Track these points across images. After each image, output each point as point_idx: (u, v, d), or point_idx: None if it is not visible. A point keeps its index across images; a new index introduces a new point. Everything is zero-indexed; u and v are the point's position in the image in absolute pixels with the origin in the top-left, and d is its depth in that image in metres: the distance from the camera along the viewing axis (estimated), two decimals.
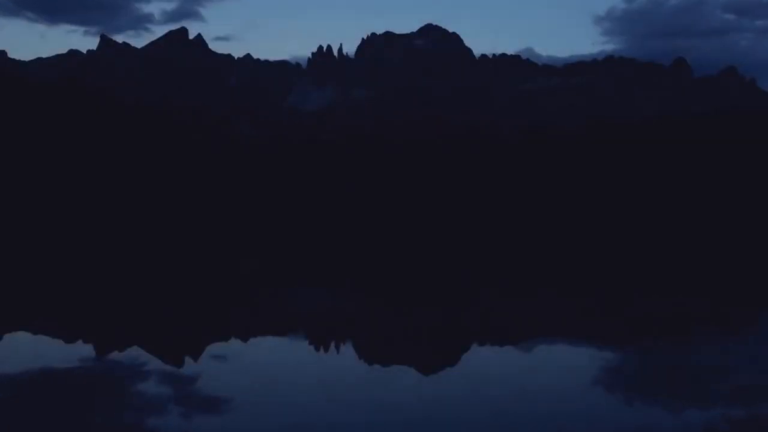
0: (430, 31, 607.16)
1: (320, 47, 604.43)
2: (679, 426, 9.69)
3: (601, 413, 10.35)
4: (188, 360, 13.59)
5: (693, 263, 41.57)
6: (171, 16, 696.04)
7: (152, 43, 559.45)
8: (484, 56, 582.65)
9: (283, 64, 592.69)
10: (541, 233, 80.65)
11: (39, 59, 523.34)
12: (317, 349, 15.26)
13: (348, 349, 15.14)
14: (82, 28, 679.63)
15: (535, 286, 28.74)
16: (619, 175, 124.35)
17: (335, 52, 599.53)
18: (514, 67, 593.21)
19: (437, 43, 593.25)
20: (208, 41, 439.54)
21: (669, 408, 10.60)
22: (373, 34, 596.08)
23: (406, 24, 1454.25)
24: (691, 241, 64.37)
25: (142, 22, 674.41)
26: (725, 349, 15.45)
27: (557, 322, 18.65)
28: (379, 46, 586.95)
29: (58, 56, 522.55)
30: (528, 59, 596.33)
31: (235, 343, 15.29)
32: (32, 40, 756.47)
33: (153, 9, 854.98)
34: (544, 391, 11.33)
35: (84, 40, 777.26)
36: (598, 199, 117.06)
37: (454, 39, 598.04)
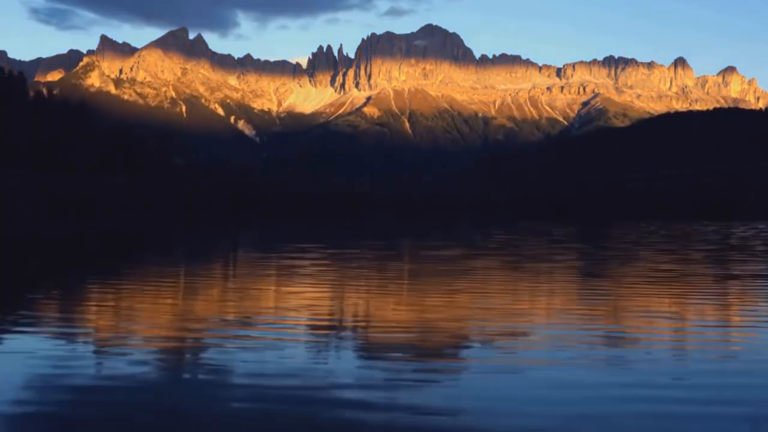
0: (430, 31, 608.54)
1: (320, 47, 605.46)
2: None
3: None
4: (187, 359, 13.36)
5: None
6: None
7: (152, 43, 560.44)
8: (484, 56, 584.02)
9: (283, 64, 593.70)
10: None
11: (39, 59, 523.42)
12: (321, 344, 14.99)
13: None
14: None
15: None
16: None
17: (335, 53, 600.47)
18: (513, 66, 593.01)
19: (437, 42, 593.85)
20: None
21: None
22: (373, 34, 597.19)
23: (406, 24, 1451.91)
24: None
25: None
26: None
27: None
28: (378, 46, 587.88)
29: (58, 56, 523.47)
30: (528, 59, 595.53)
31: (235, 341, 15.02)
32: (33, 40, 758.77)
33: None
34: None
35: (84, 40, 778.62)
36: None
37: (454, 39, 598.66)
